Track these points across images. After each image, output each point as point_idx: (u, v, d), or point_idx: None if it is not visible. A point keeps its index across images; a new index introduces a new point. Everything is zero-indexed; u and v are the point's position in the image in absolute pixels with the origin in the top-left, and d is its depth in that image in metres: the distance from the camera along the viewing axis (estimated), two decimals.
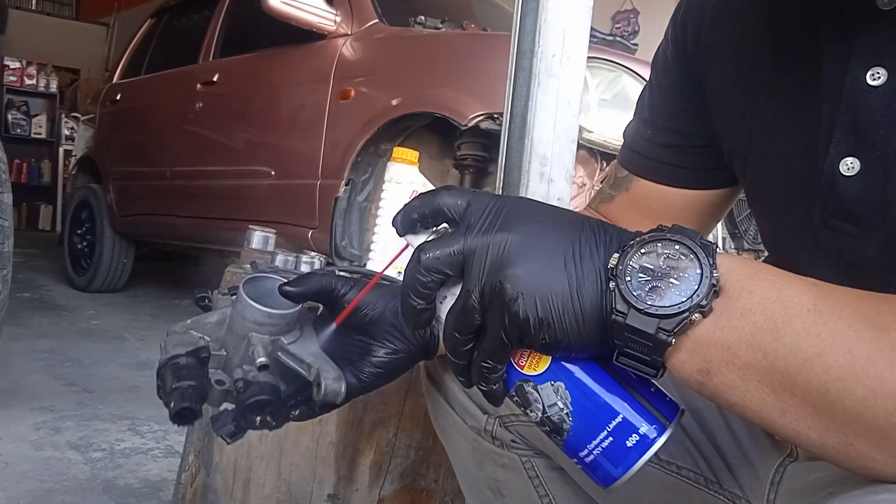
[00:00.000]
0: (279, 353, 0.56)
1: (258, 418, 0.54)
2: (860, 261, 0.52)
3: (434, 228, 0.50)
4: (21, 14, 8.19)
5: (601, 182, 2.28)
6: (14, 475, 1.70)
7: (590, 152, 2.27)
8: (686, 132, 0.70)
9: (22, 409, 2.17)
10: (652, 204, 0.74)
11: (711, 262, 0.40)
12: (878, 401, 0.35)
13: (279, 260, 1.20)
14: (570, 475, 0.73)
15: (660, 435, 0.44)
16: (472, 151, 2.45)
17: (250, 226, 1.39)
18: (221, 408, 0.56)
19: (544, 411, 0.46)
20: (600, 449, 0.45)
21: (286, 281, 0.57)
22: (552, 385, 0.45)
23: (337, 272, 0.60)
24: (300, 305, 0.58)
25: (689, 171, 0.71)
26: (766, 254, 0.69)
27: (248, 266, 1.19)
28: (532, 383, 0.46)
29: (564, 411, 0.45)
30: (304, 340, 0.57)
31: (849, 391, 0.36)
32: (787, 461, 0.61)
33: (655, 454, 0.44)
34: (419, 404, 1.07)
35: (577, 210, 0.85)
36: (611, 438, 0.44)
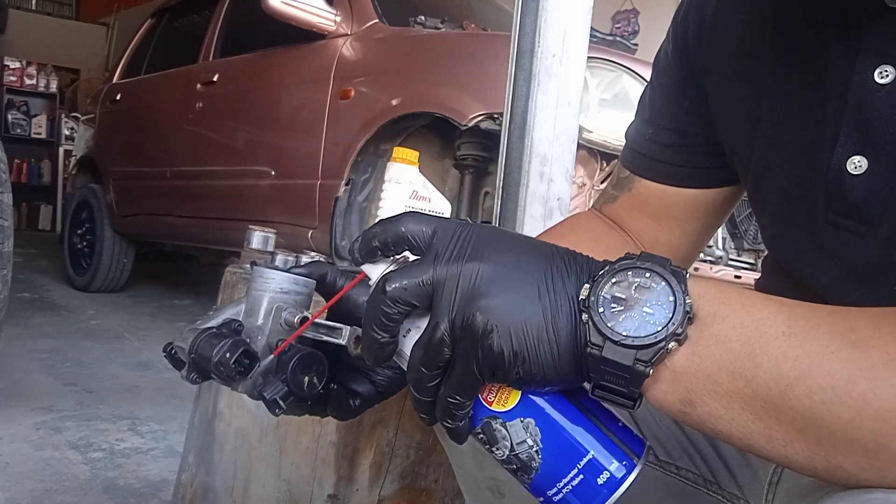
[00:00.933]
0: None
1: (306, 379, 0.51)
2: (864, 259, 0.52)
3: (394, 257, 0.47)
4: (21, 14, 8.19)
5: (602, 182, 2.28)
6: (14, 475, 1.70)
7: (590, 152, 2.27)
8: (688, 132, 0.70)
9: (22, 409, 2.17)
10: (655, 204, 0.74)
11: (683, 289, 0.39)
12: (863, 422, 0.35)
13: (279, 260, 1.20)
14: None
15: (629, 472, 0.43)
16: (472, 151, 2.45)
17: (250, 226, 1.39)
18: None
19: (512, 449, 0.44)
20: (570, 487, 0.43)
21: (293, 265, 0.57)
22: (521, 422, 0.44)
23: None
24: (316, 280, 0.56)
25: (691, 171, 0.71)
26: (767, 253, 0.69)
27: (248, 266, 1.19)
28: (500, 420, 0.44)
29: (534, 449, 0.43)
30: None
31: (833, 414, 0.35)
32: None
33: (637, 424, 0.43)
34: None
35: (577, 211, 0.85)
36: (581, 476, 0.43)
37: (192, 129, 3.62)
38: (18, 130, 7.93)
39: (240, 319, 0.54)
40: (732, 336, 0.38)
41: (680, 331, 0.39)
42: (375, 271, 0.47)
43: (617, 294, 0.40)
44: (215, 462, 1.13)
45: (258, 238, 1.36)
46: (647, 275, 0.40)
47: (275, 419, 1.07)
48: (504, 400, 0.44)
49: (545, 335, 0.40)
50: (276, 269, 0.54)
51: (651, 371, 0.39)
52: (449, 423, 0.45)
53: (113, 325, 3.56)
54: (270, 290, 0.53)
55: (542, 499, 0.45)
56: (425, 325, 0.43)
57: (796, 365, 0.37)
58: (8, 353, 2.69)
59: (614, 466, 0.43)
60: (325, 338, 0.53)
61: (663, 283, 0.40)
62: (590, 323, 0.40)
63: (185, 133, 3.67)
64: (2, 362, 2.57)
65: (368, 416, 1.06)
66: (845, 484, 0.38)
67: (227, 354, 0.49)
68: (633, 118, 0.77)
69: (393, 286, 0.43)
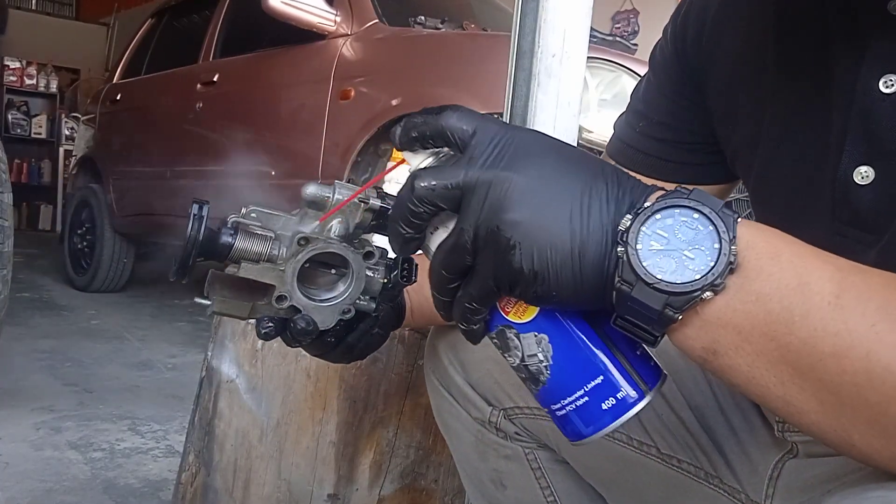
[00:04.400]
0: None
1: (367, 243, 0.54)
2: None
3: (434, 150, 0.45)
4: (21, 14, 8.18)
5: None
6: (14, 475, 1.70)
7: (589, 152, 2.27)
8: (681, 128, 0.70)
9: (22, 409, 2.17)
10: None
11: (731, 237, 0.37)
12: (891, 408, 0.34)
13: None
14: (572, 468, 0.73)
15: (637, 402, 0.42)
16: None
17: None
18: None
19: (523, 359, 0.44)
20: (573, 406, 0.43)
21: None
22: (535, 336, 0.43)
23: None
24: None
25: (679, 166, 0.71)
26: None
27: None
28: (514, 330, 0.44)
29: (543, 363, 0.43)
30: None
31: (862, 396, 0.34)
32: (786, 457, 0.61)
33: (639, 418, 0.43)
34: (419, 404, 1.07)
35: None
36: (587, 398, 0.43)
37: (193, 129, 3.62)
38: (18, 130, 7.92)
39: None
40: (774, 297, 0.36)
41: (719, 282, 0.37)
42: (415, 160, 0.46)
43: (659, 231, 0.38)
44: (215, 462, 1.13)
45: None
46: (696, 215, 0.38)
47: (275, 419, 1.07)
48: (521, 312, 0.44)
49: (569, 261, 0.39)
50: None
51: (680, 317, 0.38)
52: (463, 325, 0.44)
53: (113, 325, 3.56)
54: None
55: (546, 409, 0.45)
56: (452, 225, 0.42)
57: (835, 340, 0.35)
58: (8, 353, 2.69)
59: (622, 394, 0.42)
60: (345, 252, 0.55)
61: (710, 228, 0.38)
62: (625, 258, 0.38)
63: (186, 133, 3.66)
64: (2, 362, 2.57)
65: (368, 416, 1.06)
66: (848, 453, 0.37)
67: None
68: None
69: (422, 184, 0.41)
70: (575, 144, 1.31)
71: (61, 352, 2.92)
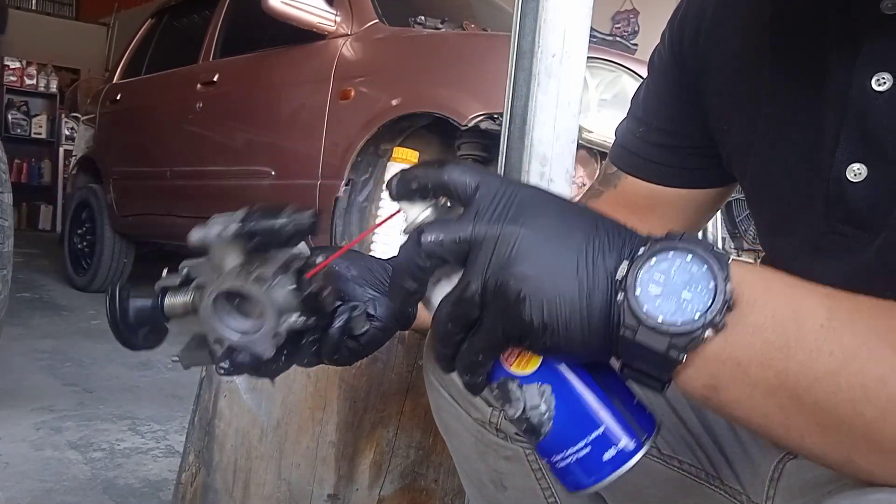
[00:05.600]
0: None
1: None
2: (863, 266, 0.52)
3: (432, 202, 0.45)
4: (21, 14, 8.19)
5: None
6: (14, 475, 1.70)
7: (590, 152, 2.27)
8: (680, 133, 0.70)
9: (22, 409, 2.17)
10: (640, 202, 0.74)
11: (725, 276, 0.38)
12: (887, 423, 0.35)
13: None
14: None
15: (636, 451, 0.43)
16: (472, 151, 2.45)
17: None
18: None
19: (524, 411, 0.44)
20: (575, 458, 0.43)
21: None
22: (538, 387, 0.43)
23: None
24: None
25: (680, 171, 0.71)
26: (764, 255, 0.69)
27: None
28: (517, 382, 0.44)
29: (546, 415, 0.43)
30: None
31: (858, 412, 0.35)
32: (786, 458, 0.61)
33: (637, 463, 0.43)
34: (419, 404, 1.07)
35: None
36: (588, 448, 0.43)
37: (193, 129, 3.62)
38: (18, 130, 7.93)
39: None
40: (769, 326, 0.37)
41: (718, 319, 0.37)
42: (413, 210, 0.46)
43: (656, 275, 0.39)
44: (215, 462, 1.13)
45: None
46: (689, 257, 0.39)
47: (275, 419, 1.07)
48: (524, 363, 0.44)
49: (577, 311, 0.39)
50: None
51: (684, 358, 0.38)
52: (467, 377, 0.44)
53: None
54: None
55: (545, 460, 0.45)
56: (456, 278, 0.42)
57: (829, 360, 0.36)
58: (8, 353, 2.69)
59: (622, 444, 0.43)
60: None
61: (705, 268, 0.38)
62: (625, 304, 0.39)
63: (186, 133, 3.66)
64: (2, 362, 2.57)
65: (368, 416, 1.06)
66: (855, 478, 0.38)
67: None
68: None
69: (429, 239, 0.41)
70: (575, 144, 1.31)
71: (61, 352, 2.92)
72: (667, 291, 0.38)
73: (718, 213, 2.48)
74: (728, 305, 0.38)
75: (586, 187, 2.33)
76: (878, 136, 0.50)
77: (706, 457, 0.66)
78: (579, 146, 1.73)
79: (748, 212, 2.47)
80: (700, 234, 2.44)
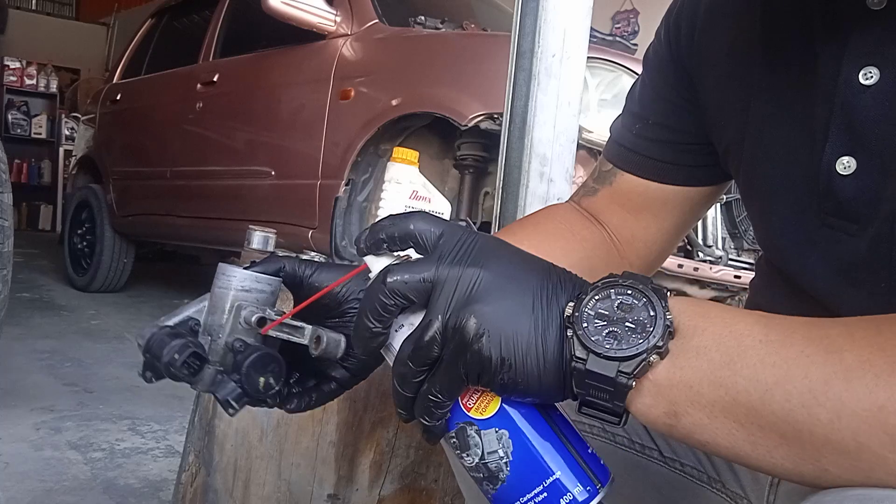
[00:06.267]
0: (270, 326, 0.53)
1: (262, 380, 0.51)
2: (854, 258, 0.53)
3: (397, 253, 0.47)
4: (21, 14, 8.19)
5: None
6: (14, 475, 1.70)
7: (590, 152, 2.27)
8: (677, 129, 0.70)
9: (22, 409, 2.17)
10: (635, 199, 0.74)
11: (664, 305, 0.41)
12: (842, 422, 0.35)
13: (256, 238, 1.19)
14: None
15: (591, 497, 0.43)
16: (472, 151, 2.45)
17: (250, 226, 1.39)
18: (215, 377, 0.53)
19: (482, 458, 0.45)
20: (532, 503, 0.44)
21: (252, 262, 0.56)
22: (496, 432, 0.44)
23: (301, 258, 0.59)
24: (281, 278, 0.55)
25: (676, 168, 0.71)
26: (761, 253, 0.69)
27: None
28: (476, 427, 0.45)
29: (504, 460, 0.44)
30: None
31: (813, 416, 0.36)
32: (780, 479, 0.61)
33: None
34: None
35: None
36: (545, 494, 0.43)
37: (193, 129, 3.63)
38: (18, 130, 7.93)
39: (198, 319, 0.54)
40: (712, 347, 0.40)
41: (661, 343, 0.40)
42: (377, 264, 0.47)
43: (601, 310, 0.41)
44: (215, 462, 1.13)
45: (258, 238, 1.36)
46: (630, 292, 0.42)
47: (274, 419, 1.07)
48: (483, 408, 0.45)
49: (533, 346, 0.42)
50: (237, 266, 0.54)
51: (634, 383, 0.40)
52: (426, 420, 0.45)
53: (113, 325, 3.56)
54: (233, 288, 0.53)
55: None
56: (418, 323, 0.44)
57: (774, 370, 0.37)
58: (8, 353, 2.69)
59: (578, 490, 0.43)
60: (287, 337, 0.53)
61: (644, 300, 0.41)
62: (574, 337, 0.41)
63: (186, 133, 3.67)
64: (2, 362, 2.57)
65: (368, 416, 1.06)
66: (833, 486, 0.38)
67: (176, 356, 0.50)
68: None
69: (394, 278, 0.44)
70: (575, 144, 1.31)
71: (61, 352, 2.92)
72: (612, 324, 0.41)
73: (718, 214, 2.47)
74: (670, 332, 0.40)
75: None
76: (866, 129, 0.50)
77: (708, 460, 0.66)
78: (579, 146, 1.74)
79: (745, 214, 2.47)
80: (700, 234, 2.44)
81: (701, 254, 2.41)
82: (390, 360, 0.46)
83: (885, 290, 0.51)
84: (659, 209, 0.73)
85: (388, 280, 0.44)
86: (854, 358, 0.36)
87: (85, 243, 4.47)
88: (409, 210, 0.93)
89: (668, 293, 0.42)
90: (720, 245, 2.47)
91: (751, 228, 2.47)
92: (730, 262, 2.46)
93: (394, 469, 1.09)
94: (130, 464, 1.85)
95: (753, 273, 0.72)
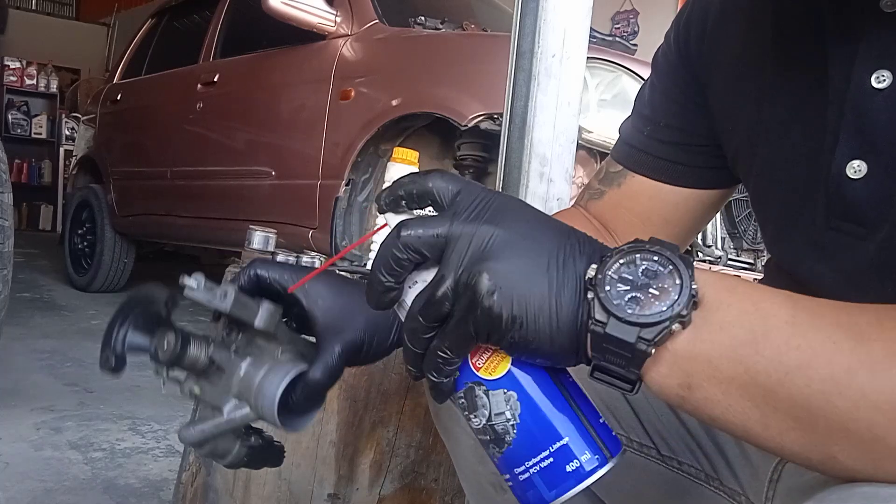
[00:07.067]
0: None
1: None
2: (862, 262, 0.53)
3: (416, 212, 0.47)
4: (21, 14, 8.19)
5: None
6: (14, 475, 1.70)
7: (590, 152, 2.27)
8: (688, 131, 0.70)
9: (22, 409, 2.17)
10: (644, 202, 0.73)
11: (690, 274, 0.40)
12: (860, 413, 0.35)
13: (280, 258, 1.20)
14: None
15: (600, 466, 0.43)
16: (472, 152, 2.45)
17: (251, 226, 1.39)
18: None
19: (489, 419, 0.44)
20: (538, 468, 0.43)
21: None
22: (504, 393, 0.44)
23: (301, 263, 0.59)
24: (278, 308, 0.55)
25: (688, 169, 0.71)
26: (769, 256, 0.69)
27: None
28: (484, 387, 0.44)
29: (511, 423, 0.43)
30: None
31: (831, 404, 0.36)
32: (785, 460, 0.61)
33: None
34: (419, 404, 1.07)
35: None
36: (551, 459, 0.43)
37: (193, 129, 3.63)
38: (19, 130, 7.93)
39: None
40: (736, 323, 0.39)
41: (685, 313, 0.39)
42: (394, 222, 0.47)
43: (624, 275, 0.40)
44: (215, 462, 1.13)
45: (258, 238, 1.36)
46: (656, 258, 0.41)
47: None
48: (492, 368, 0.44)
49: (546, 306, 0.41)
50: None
51: (653, 351, 0.39)
52: (434, 376, 0.45)
53: None
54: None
55: (507, 476, 0.45)
56: (431, 279, 0.44)
57: (798, 354, 0.37)
58: (8, 353, 2.69)
59: (586, 457, 0.43)
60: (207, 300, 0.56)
61: (671, 267, 0.40)
62: (595, 300, 0.40)
63: (186, 133, 3.67)
64: (2, 362, 2.57)
65: (368, 415, 1.06)
66: (839, 475, 0.38)
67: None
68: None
69: (408, 232, 0.43)
70: (575, 144, 1.31)
71: (61, 352, 2.93)
72: (635, 289, 0.40)
73: (718, 214, 2.48)
74: (694, 301, 0.39)
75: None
76: (877, 132, 0.50)
77: (706, 458, 0.66)
78: (579, 146, 1.74)
79: (748, 212, 2.47)
80: (699, 234, 2.44)
81: (700, 254, 2.42)
82: (402, 318, 0.46)
83: (891, 295, 0.51)
84: (669, 212, 0.73)
85: (402, 234, 0.43)
86: (881, 349, 0.36)
87: (85, 243, 4.47)
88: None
89: (694, 261, 0.41)
90: (720, 245, 2.47)
91: (750, 228, 2.47)
92: (729, 262, 2.46)
93: (394, 468, 1.09)
94: (131, 463, 1.85)
95: (754, 273, 0.72)
